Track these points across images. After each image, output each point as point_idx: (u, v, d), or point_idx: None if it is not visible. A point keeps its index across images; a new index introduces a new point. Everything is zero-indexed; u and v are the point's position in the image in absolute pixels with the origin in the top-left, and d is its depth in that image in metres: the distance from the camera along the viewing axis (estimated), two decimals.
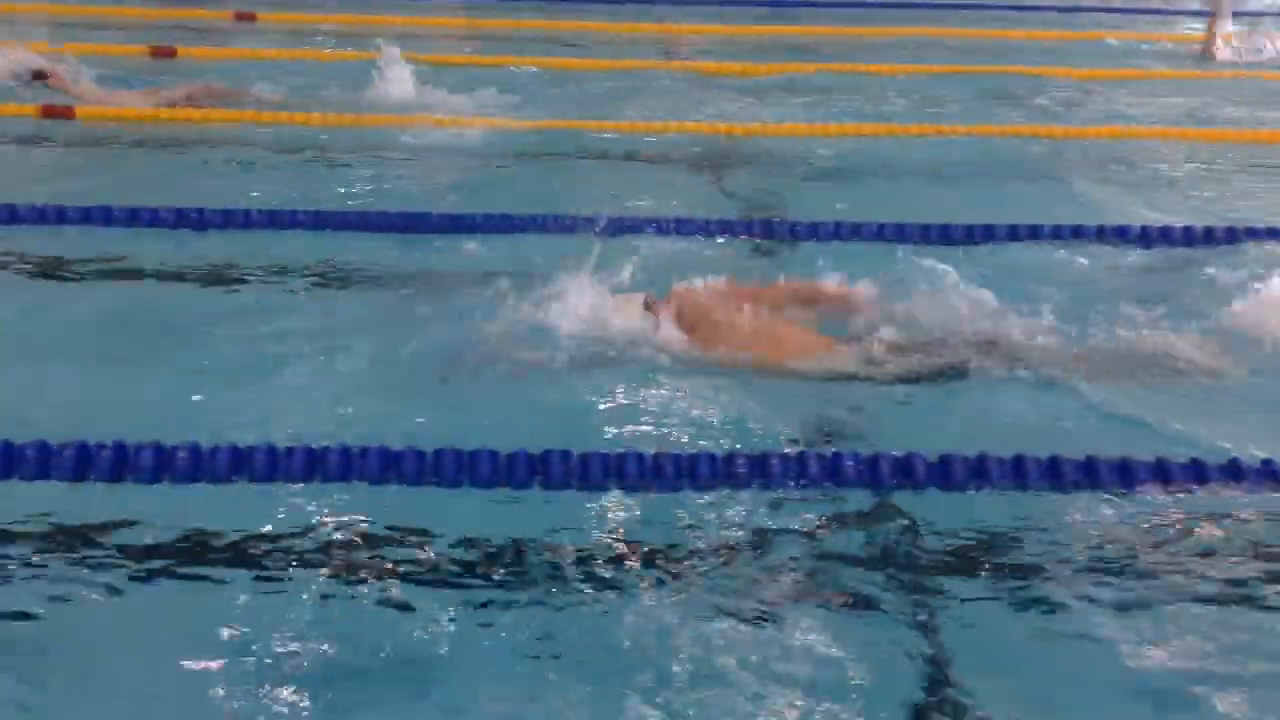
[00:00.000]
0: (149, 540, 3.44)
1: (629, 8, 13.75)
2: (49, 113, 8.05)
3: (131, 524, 3.50)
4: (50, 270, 5.64)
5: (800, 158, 8.01)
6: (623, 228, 6.03)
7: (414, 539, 3.50)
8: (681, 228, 6.26)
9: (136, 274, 5.59)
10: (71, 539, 3.44)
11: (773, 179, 7.61)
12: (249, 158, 7.52)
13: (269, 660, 2.97)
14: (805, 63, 10.96)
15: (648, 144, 8.19)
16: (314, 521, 3.56)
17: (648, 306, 4.80)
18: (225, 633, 3.07)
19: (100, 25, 12.19)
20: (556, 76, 10.14)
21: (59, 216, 6.01)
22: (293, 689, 2.88)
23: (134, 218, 6.04)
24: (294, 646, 3.02)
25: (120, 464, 3.63)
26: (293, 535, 3.49)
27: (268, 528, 3.52)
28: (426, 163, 7.58)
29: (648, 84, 10.07)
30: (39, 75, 8.91)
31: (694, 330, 4.75)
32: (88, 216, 6.04)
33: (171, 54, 10.42)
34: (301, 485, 3.69)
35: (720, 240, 6.24)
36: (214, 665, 2.94)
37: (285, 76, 9.51)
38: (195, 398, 4.38)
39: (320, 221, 6.14)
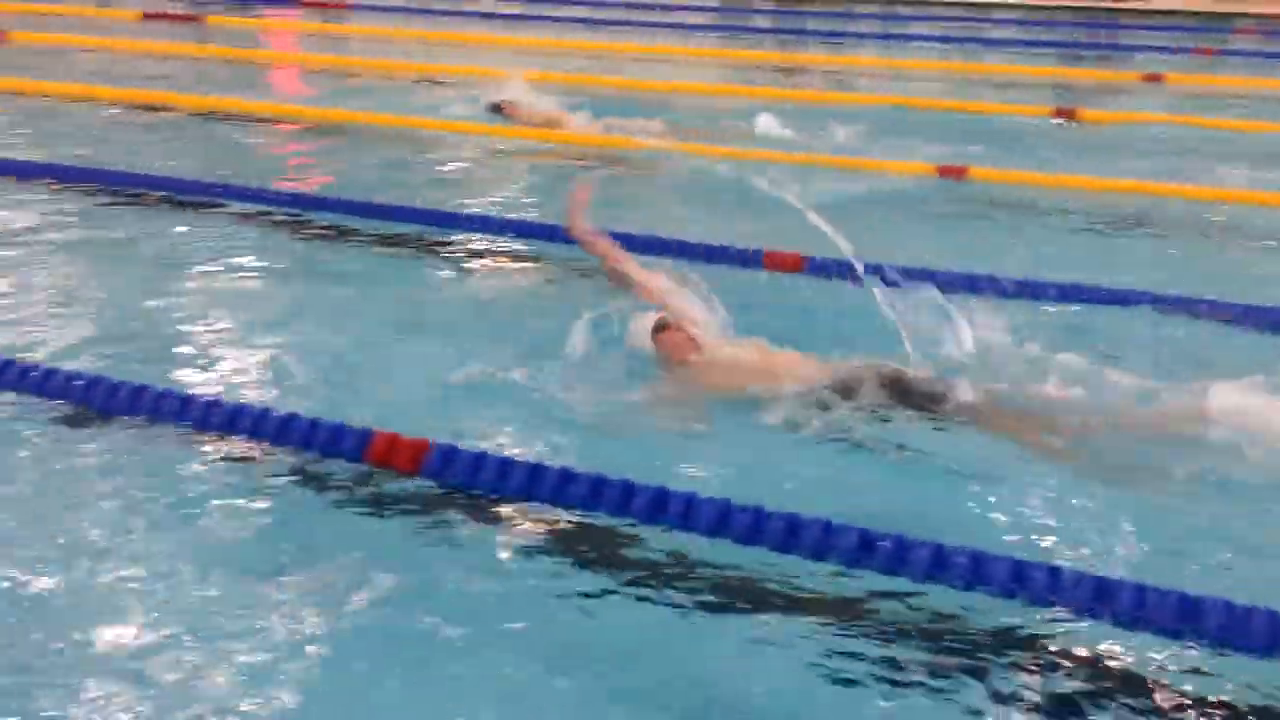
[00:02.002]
0: None
1: None
2: (944, 172, 8.18)
3: None
4: None
5: None
6: None
7: None
8: None
9: None
10: None
11: None
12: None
13: None
14: None
15: None
16: None
17: (659, 330, 4.70)
18: None
19: (1008, 84, 12.40)
20: None
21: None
22: None
23: None
24: None
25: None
26: None
27: None
28: None
29: None
30: (496, 108, 9.74)
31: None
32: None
33: (1071, 115, 10.25)
34: None
35: None
36: None
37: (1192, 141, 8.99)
38: None
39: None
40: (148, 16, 16.05)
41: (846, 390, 4.40)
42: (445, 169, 8.55)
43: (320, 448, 4.04)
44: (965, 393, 4.33)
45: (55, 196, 7.28)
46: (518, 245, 6.64)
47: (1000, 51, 15.27)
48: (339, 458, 4.01)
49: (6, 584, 3.35)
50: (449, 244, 6.63)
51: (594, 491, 3.73)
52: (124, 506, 3.80)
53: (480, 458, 3.89)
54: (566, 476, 3.78)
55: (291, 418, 4.14)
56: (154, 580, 3.39)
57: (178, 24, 16.12)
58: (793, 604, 3.37)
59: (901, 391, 4.39)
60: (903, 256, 6.06)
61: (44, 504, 3.83)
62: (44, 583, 3.38)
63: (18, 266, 6.12)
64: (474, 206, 7.41)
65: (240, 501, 3.86)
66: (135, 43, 13.87)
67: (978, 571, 3.34)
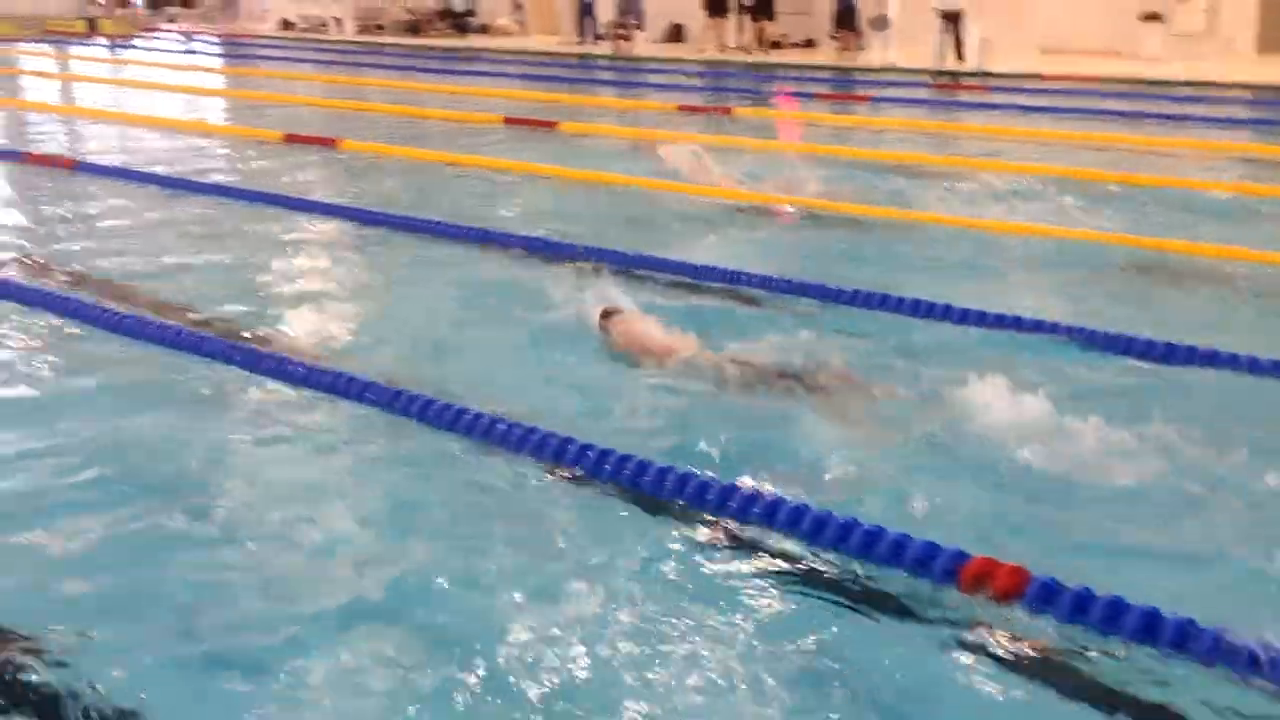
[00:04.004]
0: None
1: None
2: None
3: None
4: None
5: None
6: None
7: None
8: None
9: None
10: None
11: None
12: None
13: None
14: None
15: None
16: None
17: (605, 316, 6.19)
18: None
19: None
20: None
21: None
22: None
23: None
24: None
25: None
26: None
27: None
28: None
29: None
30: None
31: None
32: None
33: None
34: None
35: None
36: None
37: None
38: None
39: None
40: (682, 109, 16.99)
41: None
42: (951, 263, 8.32)
43: (909, 565, 3.96)
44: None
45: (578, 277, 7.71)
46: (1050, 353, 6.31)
47: None
48: (927, 577, 3.91)
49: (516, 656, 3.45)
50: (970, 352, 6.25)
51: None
52: (659, 608, 3.82)
53: (1085, 596, 3.66)
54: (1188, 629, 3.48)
55: (879, 531, 4.09)
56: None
57: (707, 115, 16.96)
58: None
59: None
60: None
61: (579, 586, 3.92)
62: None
63: (544, 340, 6.45)
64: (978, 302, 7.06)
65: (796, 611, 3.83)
66: (666, 133, 14.65)
67: None
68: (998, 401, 5.21)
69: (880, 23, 24.68)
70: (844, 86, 21.55)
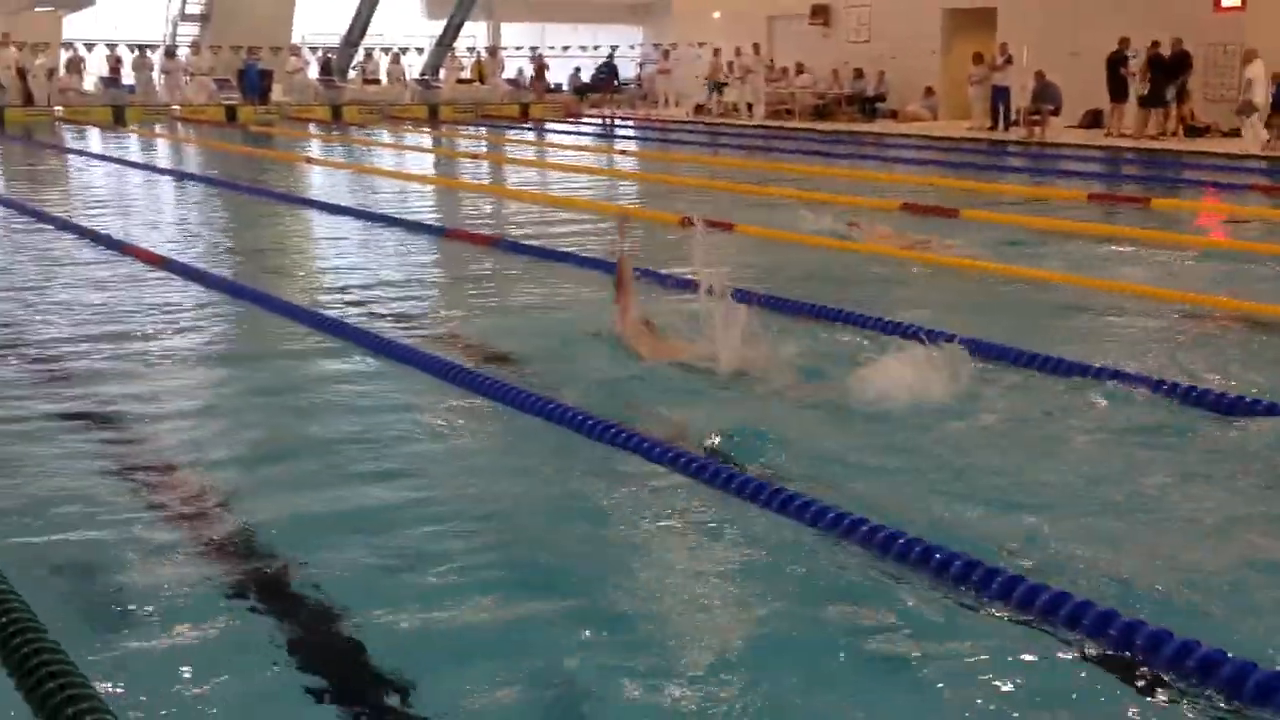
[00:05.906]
0: None
1: None
2: None
3: None
4: None
5: None
6: None
7: None
8: None
9: None
10: None
11: None
12: None
13: None
14: None
15: None
16: None
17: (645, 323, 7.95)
18: None
19: None
20: None
21: None
22: None
23: None
24: None
25: None
26: None
27: None
28: None
29: None
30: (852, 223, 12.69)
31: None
32: None
33: None
34: None
35: None
36: None
37: None
38: None
39: None
40: (1091, 197, 16.24)
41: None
42: None
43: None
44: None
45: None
46: None
47: None
48: None
49: None
50: None
51: None
52: None
53: None
54: None
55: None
56: None
57: (1122, 205, 16.14)
58: None
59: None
60: None
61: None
62: None
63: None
64: None
65: None
66: (1072, 223, 13.98)
67: None
68: None
69: (1247, 108, 22.99)
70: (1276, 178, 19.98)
